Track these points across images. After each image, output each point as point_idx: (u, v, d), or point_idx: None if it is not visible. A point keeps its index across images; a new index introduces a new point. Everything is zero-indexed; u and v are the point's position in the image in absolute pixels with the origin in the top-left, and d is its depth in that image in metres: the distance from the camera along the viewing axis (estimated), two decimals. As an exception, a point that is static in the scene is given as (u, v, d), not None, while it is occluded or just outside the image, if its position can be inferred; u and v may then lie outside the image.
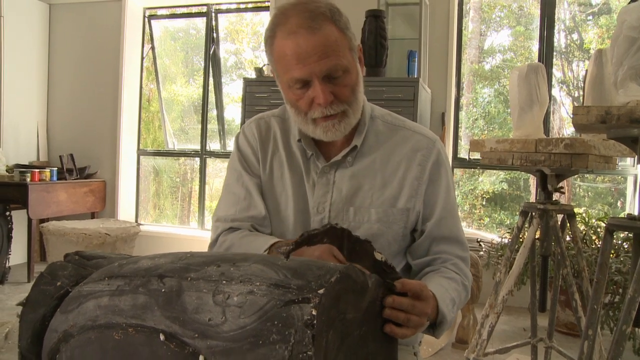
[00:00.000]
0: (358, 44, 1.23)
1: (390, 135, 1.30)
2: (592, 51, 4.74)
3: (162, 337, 0.75)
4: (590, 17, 4.87)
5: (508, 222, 4.88)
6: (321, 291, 0.71)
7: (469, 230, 4.96)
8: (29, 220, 4.29)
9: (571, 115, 4.82)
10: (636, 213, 1.58)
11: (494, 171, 4.88)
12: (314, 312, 0.69)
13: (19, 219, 4.52)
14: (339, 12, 1.16)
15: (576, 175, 4.28)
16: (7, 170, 4.52)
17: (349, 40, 1.17)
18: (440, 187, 1.27)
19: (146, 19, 5.48)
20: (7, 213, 4.36)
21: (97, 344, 0.80)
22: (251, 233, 1.24)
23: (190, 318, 0.74)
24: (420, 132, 1.32)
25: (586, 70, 2.20)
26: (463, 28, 4.51)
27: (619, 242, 3.33)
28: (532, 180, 4.73)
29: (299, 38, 1.10)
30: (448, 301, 1.11)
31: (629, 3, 1.79)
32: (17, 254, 4.68)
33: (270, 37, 1.17)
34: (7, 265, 4.28)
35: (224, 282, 0.76)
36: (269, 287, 0.73)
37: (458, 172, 4.73)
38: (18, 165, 4.68)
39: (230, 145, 5.34)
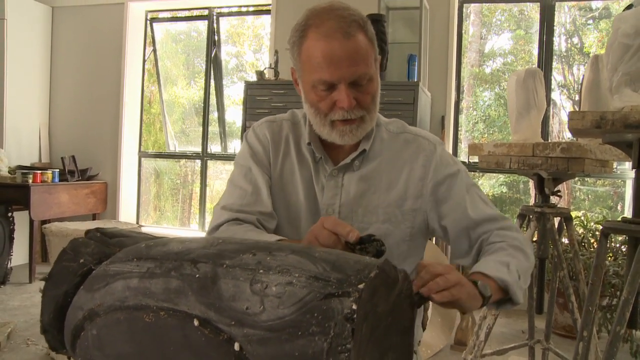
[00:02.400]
0: (379, 56, 1.26)
1: (393, 140, 1.34)
2: (591, 55, 4.76)
3: (196, 322, 0.75)
4: (591, 21, 4.89)
5: (507, 225, 4.89)
6: (361, 286, 0.72)
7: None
8: (31, 222, 4.31)
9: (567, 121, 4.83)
10: (631, 216, 1.60)
11: (494, 174, 4.90)
12: (354, 307, 0.69)
13: (20, 220, 4.55)
14: (369, 23, 1.20)
15: (576, 179, 4.29)
16: (9, 172, 4.54)
17: (374, 51, 1.21)
18: (451, 184, 1.29)
19: (148, 22, 5.51)
20: (9, 214, 4.38)
21: (126, 325, 0.80)
22: (256, 229, 1.25)
23: (226, 305, 0.74)
24: (421, 135, 1.36)
25: (582, 76, 2.22)
26: (463, 32, 4.53)
27: (617, 245, 3.35)
28: (532, 183, 4.75)
29: (334, 42, 1.13)
30: (498, 266, 1.11)
31: (625, 9, 1.82)
32: (19, 255, 4.71)
33: (301, 37, 1.19)
34: (8, 266, 4.31)
35: (262, 271, 0.76)
36: (308, 279, 0.74)
37: (458, 175, 4.73)
38: (20, 167, 4.70)
39: (231, 148, 5.37)
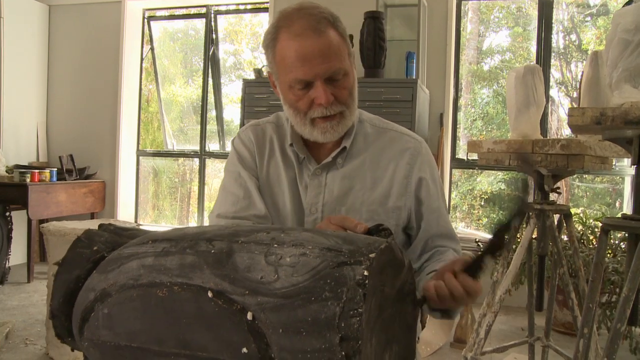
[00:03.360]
0: (353, 51, 1.28)
1: (378, 137, 1.34)
2: (590, 52, 4.76)
3: (210, 294, 0.76)
4: (589, 18, 4.89)
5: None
6: (372, 255, 0.74)
7: (467, 230, 4.98)
8: (29, 221, 4.30)
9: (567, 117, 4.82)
10: (631, 213, 1.60)
11: (492, 172, 4.90)
12: (365, 273, 0.71)
13: (18, 219, 4.54)
14: (339, 20, 1.21)
15: (574, 176, 4.29)
16: (7, 171, 4.53)
17: (347, 46, 1.22)
18: (430, 187, 1.31)
19: (145, 20, 5.50)
20: (7, 213, 4.37)
21: (139, 301, 0.81)
22: None
23: (241, 276, 0.76)
24: (407, 133, 1.37)
25: (582, 72, 2.22)
26: (461, 29, 4.53)
27: (617, 242, 3.35)
28: (531, 181, 4.74)
29: (305, 40, 1.15)
30: None
31: (625, 5, 1.81)
32: (17, 255, 4.70)
33: (273, 40, 1.20)
34: (7, 265, 4.30)
35: (276, 245, 0.78)
36: (321, 250, 0.76)
37: (456, 172, 4.74)
38: (18, 166, 4.69)
39: (229, 146, 5.34)
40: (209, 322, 0.76)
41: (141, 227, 1.06)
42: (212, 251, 0.80)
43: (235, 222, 1.26)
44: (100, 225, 1.03)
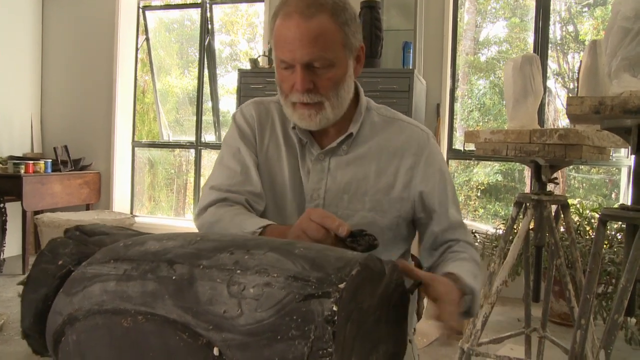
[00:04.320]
0: (361, 44, 1.24)
1: (385, 126, 1.31)
2: (587, 43, 4.74)
3: (173, 327, 0.74)
4: (586, 9, 4.86)
5: (503, 213, 4.90)
6: (342, 285, 0.69)
7: (465, 221, 4.98)
8: (24, 212, 4.27)
9: (565, 106, 4.82)
10: (629, 203, 1.59)
11: (489, 162, 4.89)
12: (334, 308, 0.67)
13: (13, 210, 4.51)
14: (344, 8, 1.17)
15: (571, 167, 4.29)
16: (0, 162, 4.50)
17: (344, 36, 1.17)
18: (437, 179, 1.28)
19: (140, 10, 5.45)
20: (1, 205, 4.35)
21: (105, 330, 0.79)
22: (244, 212, 1.23)
23: (203, 309, 0.72)
24: (414, 124, 1.34)
25: (581, 61, 2.20)
26: (458, 19, 4.50)
27: (613, 232, 3.35)
28: (527, 172, 4.74)
29: (291, 22, 1.13)
30: (470, 276, 1.14)
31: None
32: (12, 246, 4.68)
33: (273, 17, 1.19)
34: (1, 257, 4.28)
35: (239, 271, 0.74)
36: (286, 279, 0.71)
37: (453, 163, 4.74)
38: (12, 157, 4.66)
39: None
40: (175, 356, 0.73)
41: (120, 225, 1.02)
42: (173, 277, 0.76)
43: (218, 214, 1.23)
44: (66, 231, 1.00)
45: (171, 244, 0.83)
